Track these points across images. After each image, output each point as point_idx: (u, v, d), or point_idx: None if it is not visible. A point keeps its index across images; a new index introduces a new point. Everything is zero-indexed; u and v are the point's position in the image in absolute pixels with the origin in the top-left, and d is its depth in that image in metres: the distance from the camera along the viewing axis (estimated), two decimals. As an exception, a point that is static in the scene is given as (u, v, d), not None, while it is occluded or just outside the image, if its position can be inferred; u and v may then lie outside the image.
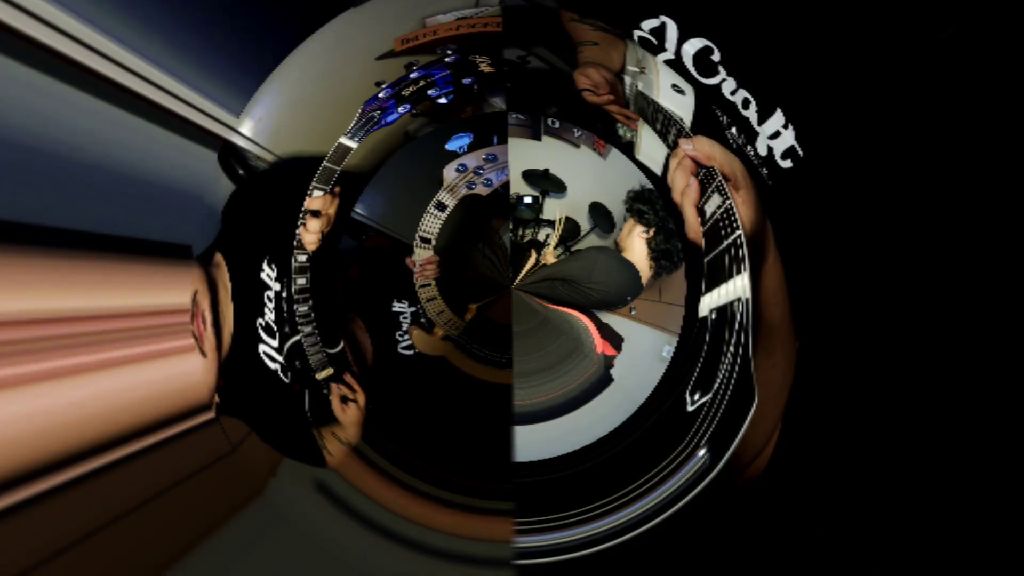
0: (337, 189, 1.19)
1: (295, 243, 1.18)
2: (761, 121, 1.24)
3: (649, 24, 1.24)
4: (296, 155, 1.23)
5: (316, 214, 1.18)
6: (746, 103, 1.24)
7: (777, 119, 1.23)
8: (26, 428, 1.00)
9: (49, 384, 1.03)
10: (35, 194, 1.07)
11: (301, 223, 1.18)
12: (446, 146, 1.24)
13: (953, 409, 1.22)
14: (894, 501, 1.21)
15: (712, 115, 1.23)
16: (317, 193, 1.18)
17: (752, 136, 1.24)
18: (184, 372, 1.20)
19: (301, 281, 1.19)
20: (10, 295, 1.01)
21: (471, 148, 1.24)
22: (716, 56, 1.24)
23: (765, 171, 1.23)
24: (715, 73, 1.24)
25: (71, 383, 1.06)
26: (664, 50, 1.24)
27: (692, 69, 1.24)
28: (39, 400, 1.02)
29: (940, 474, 1.21)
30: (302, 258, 1.19)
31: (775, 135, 1.24)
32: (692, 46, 1.24)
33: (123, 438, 1.11)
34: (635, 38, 1.24)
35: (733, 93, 1.24)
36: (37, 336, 1.03)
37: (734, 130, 1.23)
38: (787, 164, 1.24)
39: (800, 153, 1.24)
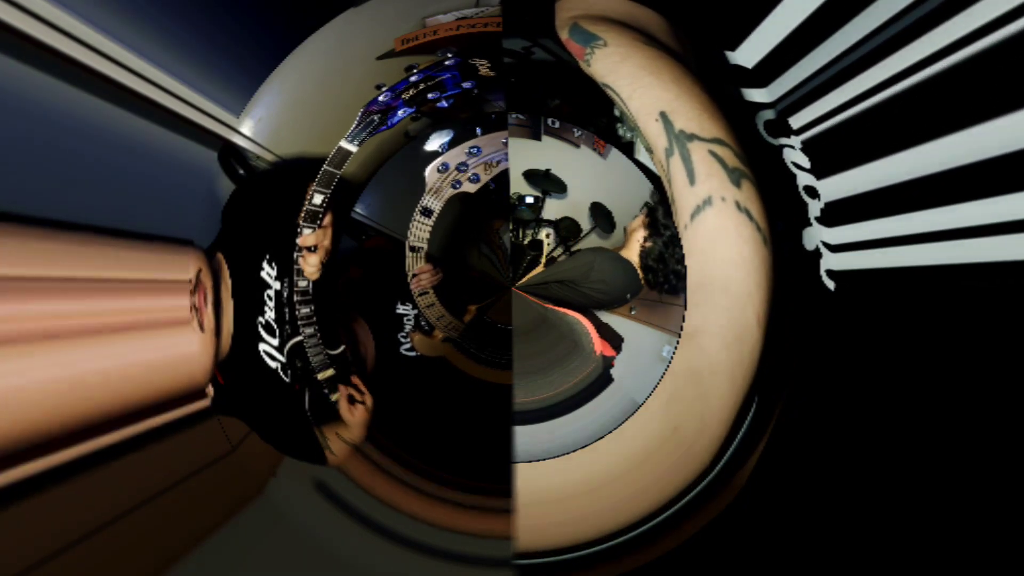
0: (328, 219, 1.18)
1: (296, 271, 1.18)
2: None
3: None
4: (296, 155, 1.23)
5: (312, 250, 1.18)
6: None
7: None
8: (25, 427, 1.00)
9: (48, 382, 1.03)
10: (35, 193, 1.07)
11: (299, 256, 1.18)
12: (425, 147, 1.21)
13: (949, 414, 1.21)
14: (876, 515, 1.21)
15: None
16: (307, 231, 1.18)
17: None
18: (182, 359, 1.20)
19: (302, 284, 1.19)
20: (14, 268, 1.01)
21: (452, 144, 1.21)
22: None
23: None
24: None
25: (69, 380, 1.06)
26: None
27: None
28: (37, 398, 1.02)
29: (933, 483, 1.21)
30: (303, 284, 1.19)
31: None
32: None
33: (121, 424, 1.11)
34: None
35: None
36: (35, 327, 1.04)
37: None
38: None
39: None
